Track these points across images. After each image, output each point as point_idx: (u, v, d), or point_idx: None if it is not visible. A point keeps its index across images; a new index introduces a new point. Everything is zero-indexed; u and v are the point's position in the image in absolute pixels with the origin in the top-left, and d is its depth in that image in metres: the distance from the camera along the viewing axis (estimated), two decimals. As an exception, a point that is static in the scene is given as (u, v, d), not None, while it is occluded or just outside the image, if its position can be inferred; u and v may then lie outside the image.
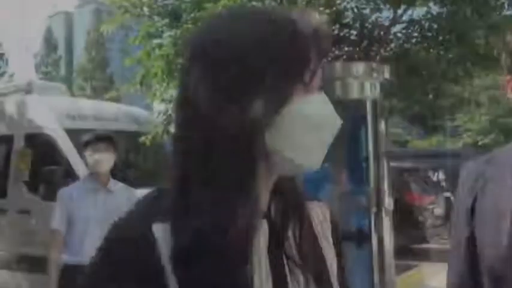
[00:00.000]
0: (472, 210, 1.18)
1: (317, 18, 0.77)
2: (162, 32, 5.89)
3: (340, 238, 0.89)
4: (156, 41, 5.87)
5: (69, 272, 3.15)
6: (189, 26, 5.79)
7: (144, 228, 0.70)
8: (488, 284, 1.14)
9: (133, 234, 0.71)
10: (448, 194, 11.22)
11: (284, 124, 0.72)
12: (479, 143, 19.91)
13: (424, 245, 9.64)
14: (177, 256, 0.68)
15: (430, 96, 6.01)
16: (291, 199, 0.81)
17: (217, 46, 0.72)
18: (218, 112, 0.70)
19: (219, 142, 0.69)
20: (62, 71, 35.30)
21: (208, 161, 0.70)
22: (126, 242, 0.70)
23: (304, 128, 0.73)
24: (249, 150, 0.69)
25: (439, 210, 9.95)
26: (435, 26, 5.61)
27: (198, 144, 0.71)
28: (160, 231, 0.70)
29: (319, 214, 0.87)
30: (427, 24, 5.66)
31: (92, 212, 3.21)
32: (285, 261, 0.78)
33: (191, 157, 0.72)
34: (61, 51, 35.66)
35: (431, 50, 5.54)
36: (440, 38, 5.56)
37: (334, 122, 0.77)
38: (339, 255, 0.88)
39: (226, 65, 0.71)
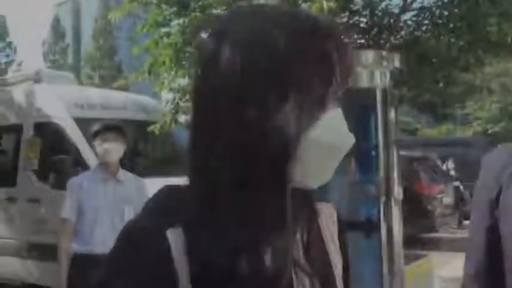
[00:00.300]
0: (497, 201, 1.16)
1: (340, 35, 0.74)
2: (170, 20, 5.85)
3: (346, 241, 0.88)
4: (164, 30, 5.84)
5: (79, 261, 3.17)
6: (197, 14, 5.76)
7: (158, 234, 0.68)
8: (511, 277, 1.13)
9: (146, 239, 0.68)
10: (457, 183, 11.19)
11: (306, 144, 0.69)
12: (489, 131, 19.78)
13: (433, 234, 9.63)
14: (192, 266, 0.67)
15: (441, 84, 5.95)
16: (300, 201, 0.78)
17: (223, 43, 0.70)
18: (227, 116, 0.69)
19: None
20: (70, 59, 35.35)
21: (218, 166, 0.69)
22: (138, 248, 0.68)
23: (315, 155, 0.70)
24: (284, 164, 0.68)
25: (448, 200, 9.92)
26: (446, 13, 5.53)
27: (211, 150, 0.70)
28: (174, 236, 0.68)
29: (327, 216, 0.85)
30: (437, 12, 5.58)
31: (101, 201, 3.22)
32: (291, 263, 0.76)
33: (202, 162, 0.71)
34: (69, 39, 35.68)
35: (442, 38, 5.46)
36: (451, 25, 5.48)
37: (347, 143, 0.73)
38: (345, 258, 0.87)
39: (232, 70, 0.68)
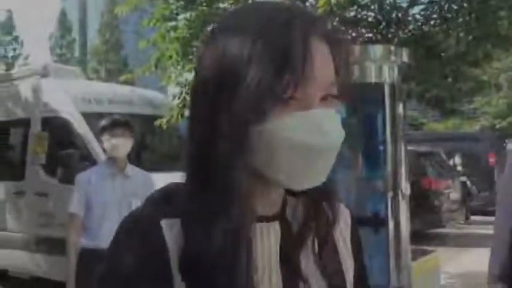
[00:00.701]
0: None
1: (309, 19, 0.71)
2: (177, 14, 5.85)
3: (360, 245, 0.86)
4: (170, 24, 5.84)
5: (87, 256, 3.18)
6: (204, 8, 5.75)
7: (152, 222, 0.70)
8: None
9: (141, 227, 0.70)
10: (464, 179, 11.14)
11: (258, 140, 0.67)
12: (497, 126, 19.67)
13: (440, 230, 9.61)
14: (182, 255, 0.68)
15: (449, 79, 5.92)
16: (312, 202, 0.77)
17: (208, 44, 0.73)
18: (198, 111, 0.71)
19: (207, 142, 0.69)
20: (76, 53, 35.41)
21: (199, 160, 0.70)
22: (133, 234, 0.70)
23: (280, 149, 0.67)
24: (230, 156, 0.67)
25: (455, 195, 9.88)
26: (455, 7, 5.49)
27: (192, 142, 0.71)
28: (168, 226, 0.70)
29: (340, 218, 0.83)
30: (446, 6, 5.55)
31: (109, 196, 3.23)
32: (300, 267, 0.76)
33: (193, 157, 0.72)
34: (75, 33, 35.74)
35: (450, 32, 5.43)
36: (460, 19, 5.44)
37: (324, 145, 0.68)
38: (360, 264, 0.85)
39: (210, 67, 0.70)
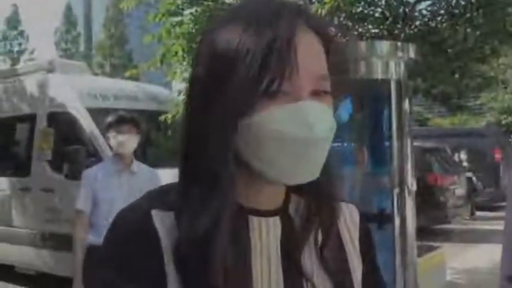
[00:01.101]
0: None
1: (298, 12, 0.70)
2: (183, 9, 5.83)
3: (370, 246, 0.84)
4: (176, 19, 5.82)
5: (94, 252, 3.19)
6: (210, 3, 5.73)
7: (143, 213, 0.70)
8: None
9: (132, 217, 0.71)
10: (469, 174, 11.11)
11: (247, 133, 0.67)
12: (503, 122, 19.58)
13: (445, 226, 9.59)
14: (173, 245, 0.69)
15: (456, 75, 5.89)
16: (316, 198, 0.76)
17: (204, 37, 0.74)
18: (191, 106, 0.72)
19: (198, 136, 0.70)
20: (81, 47, 35.45)
21: (190, 154, 0.71)
22: (124, 224, 0.71)
23: (268, 142, 0.67)
24: (216, 149, 0.68)
25: (460, 191, 9.85)
26: (462, 2, 5.45)
27: (185, 135, 0.72)
28: (159, 217, 0.70)
29: (347, 216, 0.83)
30: (454, 1, 5.51)
31: (116, 193, 3.23)
32: (303, 262, 0.75)
33: (184, 150, 0.73)
34: (80, 27, 35.75)
35: (457, 28, 5.39)
36: (468, 15, 5.40)
37: (311, 138, 0.67)
38: (371, 265, 0.83)
39: (202, 60, 0.71)
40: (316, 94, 0.69)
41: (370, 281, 0.83)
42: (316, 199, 0.76)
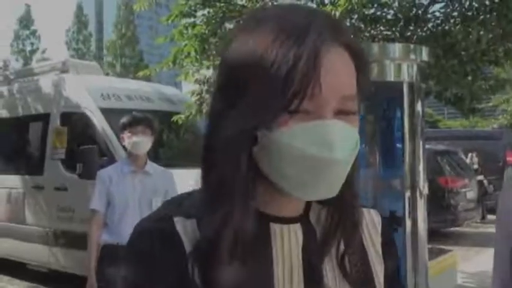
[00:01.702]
0: None
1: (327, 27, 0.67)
2: (195, 11, 5.86)
3: (392, 251, 0.83)
4: (189, 20, 5.85)
5: (107, 252, 3.23)
6: (222, 4, 5.75)
7: (166, 220, 0.71)
8: None
9: (155, 224, 0.71)
10: (481, 177, 11.03)
11: (266, 146, 0.67)
12: (514, 124, 19.42)
13: (456, 229, 9.54)
14: (196, 251, 0.68)
15: (469, 77, 5.85)
16: (337, 206, 0.75)
17: (226, 48, 0.73)
18: (213, 114, 0.71)
19: (218, 144, 0.69)
20: (93, 47, 35.64)
21: (211, 163, 0.70)
22: (148, 232, 0.71)
23: (286, 158, 0.66)
24: (235, 158, 0.67)
25: (471, 194, 9.79)
26: (475, 5, 5.41)
27: (207, 144, 0.72)
28: (182, 223, 0.70)
29: (368, 222, 0.82)
30: (467, 3, 5.47)
31: (130, 193, 3.26)
32: (324, 272, 0.75)
33: (204, 158, 0.72)
34: (91, 27, 35.96)
35: (470, 30, 5.36)
36: (481, 17, 5.37)
37: (327, 158, 0.65)
38: (390, 269, 0.82)
39: (225, 70, 0.71)
40: (341, 113, 0.67)
41: (391, 286, 0.82)
42: (338, 207, 0.75)
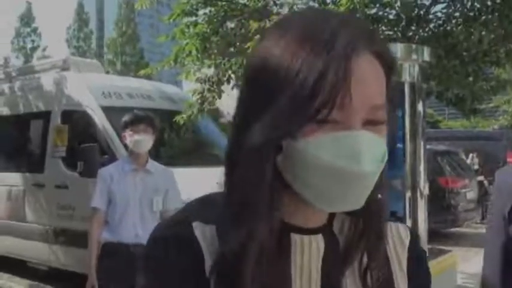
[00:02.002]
0: (509, 218, 1.17)
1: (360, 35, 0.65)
2: (197, 9, 5.86)
3: (423, 273, 0.80)
4: (190, 19, 5.85)
5: (108, 250, 3.23)
6: (224, 3, 5.75)
7: (184, 225, 0.69)
8: None
9: (173, 229, 0.70)
10: (481, 178, 11.04)
11: (291, 156, 0.65)
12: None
13: (456, 229, 9.54)
14: (214, 259, 0.67)
15: (470, 78, 5.85)
16: (363, 217, 0.73)
17: (252, 54, 0.71)
18: (238, 122, 0.70)
19: (242, 152, 0.67)
20: (93, 45, 35.64)
21: (235, 169, 0.68)
22: (166, 238, 0.70)
23: (311, 168, 0.64)
24: (259, 167, 0.65)
25: (471, 194, 9.79)
26: (477, 5, 5.41)
27: (231, 151, 0.70)
28: (201, 229, 0.69)
29: (395, 236, 0.79)
30: (468, 4, 5.48)
31: (131, 192, 3.26)
32: (344, 285, 0.73)
33: (227, 165, 0.71)
34: (92, 25, 35.93)
35: (472, 31, 5.36)
36: (483, 17, 5.37)
37: (355, 171, 0.63)
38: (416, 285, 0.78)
39: (250, 79, 0.69)
40: (369, 124, 0.65)
41: None
42: (363, 217, 0.73)
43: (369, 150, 0.64)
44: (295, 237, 0.71)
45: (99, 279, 3.24)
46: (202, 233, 0.68)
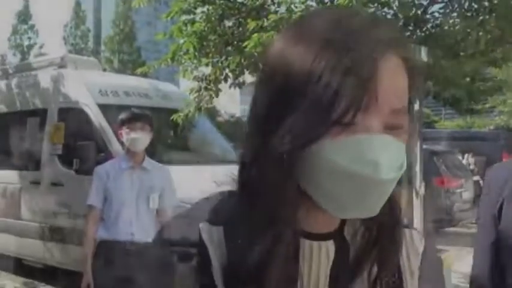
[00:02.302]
0: (499, 216, 1.17)
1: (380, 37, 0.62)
2: (195, 7, 5.84)
3: (435, 280, 0.78)
4: (188, 17, 5.84)
5: (104, 248, 3.23)
6: (222, 1, 5.74)
7: (191, 226, 0.68)
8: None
9: (180, 229, 0.69)
10: (477, 178, 11.07)
11: (307, 161, 0.63)
12: (511, 126, 19.49)
13: (452, 229, 9.57)
14: (222, 263, 0.66)
15: (467, 78, 5.87)
16: (377, 220, 0.70)
17: (267, 56, 0.68)
18: (255, 123, 0.68)
19: (258, 156, 0.65)
20: (90, 43, 35.56)
21: (249, 172, 0.67)
22: (170, 239, 0.69)
23: (327, 173, 0.62)
24: (278, 173, 0.64)
25: (467, 194, 9.82)
26: (475, 5, 5.42)
27: (247, 153, 0.68)
28: (207, 231, 0.67)
29: (408, 243, 0.76)
30: (466, 4, 5.48)
31: (127, 190, 3.26)
32: None
33: (242, 167, 0.69)
34: (89, 23, 35.86)
35: (470, 31, 5.37)
36: (480, 18, 5.37)
37: (372, 177, 0.60)
38: None
39: (268, 79, 0.66)
40: (391, 128, 0.63)
41: None
42: (377, 224, 0.70)
43: (388, 155, 0.62)
44: (305, 243, 0.69)
45: (94, 277, 3.24)
46: (210, 235, 0.67)
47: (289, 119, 0.62)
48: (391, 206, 0.69)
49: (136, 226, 3.20)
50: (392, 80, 0.63)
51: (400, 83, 0.64)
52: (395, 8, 5.41)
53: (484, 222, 1.24)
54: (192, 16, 5.85)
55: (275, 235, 0.63)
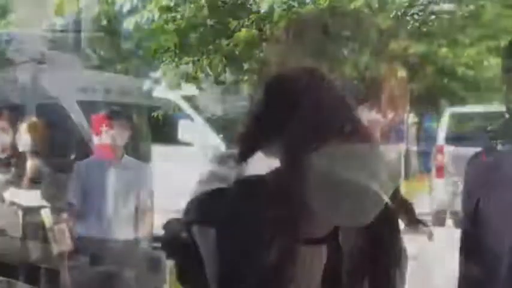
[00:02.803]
0: (475, 213, 1.19)
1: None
2: (177, 5, 5.83)
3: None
4: (170, 15, 5.82)
5: (82, 244, 3.21)
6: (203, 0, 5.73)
7: (185, 227, 0.71)
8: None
9: (174, 233, 0.72)
10: (455, 179, 11.20)
11: (306, 170, 0.66)
12: (488, 128, 19.83)
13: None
14: (216, 265, 0.68)
15: (445, 80, 5.96)
16: (370, 224, 0.72)
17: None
18: (254, 126, 0.71)
19: (256, 162, 0.68)
20: (70, 40, 35.25)
21: (246, 177, 0.70)
22: (166, 242, 0.73)
23: (325, 182, 0.64)
24: (288, 179, 0.67)
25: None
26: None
27: (245, 154, 0.72)
28: (201, 233, 0.70)
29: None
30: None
31: (106, 186, 3.25)
32: None
33: (241, 167, 0.72)
34: (70, 19, 35.58)
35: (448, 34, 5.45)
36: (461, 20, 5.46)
37: (370, 186, 0.63)
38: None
39: (270, 86, 0.70)
40: (386, 138, 0.66)
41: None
42: (370, 227, 0.72)
43: (385, 165, 0.65)
44: (299, 247, 0.71)
45: (72, 274, 3.21)
46: (204, 236, 0.69)
47: (292, 128, 0.64)
48: (386, 214, 0.71)
49: (115, 223, 3.19)
50: (395, 91, 0.65)
51: (402, 93, 0.67)
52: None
53: (465, 218, 1.25)
54: (173, 14, 5.83)
55: (271, 238, 0.64)
